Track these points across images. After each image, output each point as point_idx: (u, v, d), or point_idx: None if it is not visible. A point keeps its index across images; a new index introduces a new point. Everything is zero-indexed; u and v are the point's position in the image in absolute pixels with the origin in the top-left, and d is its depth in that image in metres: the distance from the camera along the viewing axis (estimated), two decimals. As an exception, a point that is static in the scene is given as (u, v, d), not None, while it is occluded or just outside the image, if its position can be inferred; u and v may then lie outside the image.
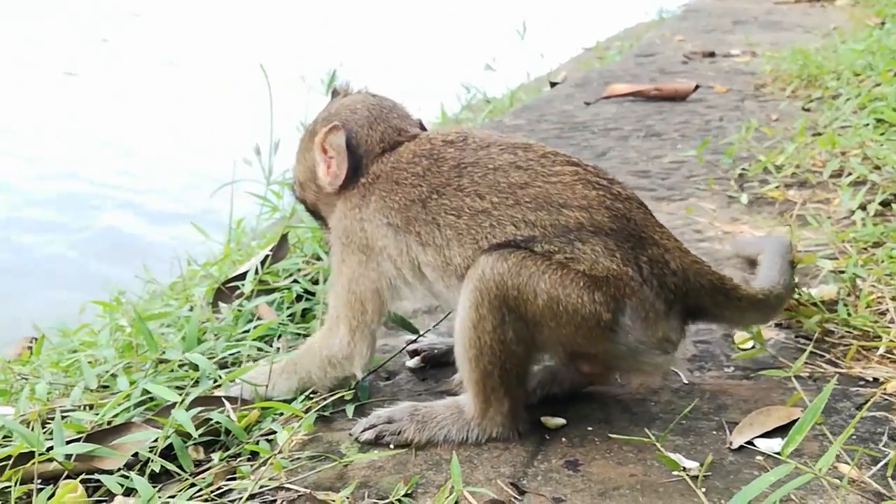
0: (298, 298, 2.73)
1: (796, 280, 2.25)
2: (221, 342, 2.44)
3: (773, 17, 10.11)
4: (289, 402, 1.95)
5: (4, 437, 1.97)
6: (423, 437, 1.79)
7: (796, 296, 2.30)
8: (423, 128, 2.09)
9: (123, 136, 8.46)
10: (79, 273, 5.98)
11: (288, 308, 2.66)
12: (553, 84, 6.80)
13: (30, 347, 3.61)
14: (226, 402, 1.91)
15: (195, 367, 2.18)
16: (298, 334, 2.49)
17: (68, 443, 1.75)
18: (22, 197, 7.01)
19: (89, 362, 2.33)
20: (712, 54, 7.47)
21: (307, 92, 4.60)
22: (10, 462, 1.73)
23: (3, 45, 11.97)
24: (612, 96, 5.47)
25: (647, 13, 13.37)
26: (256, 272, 2.77)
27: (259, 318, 2.63)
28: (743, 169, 3.67)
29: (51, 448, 1.73)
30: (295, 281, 2.85)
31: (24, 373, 2.40)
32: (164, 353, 2.28)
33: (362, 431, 1.81)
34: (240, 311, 2.65)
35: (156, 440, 1.79)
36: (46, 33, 13.13)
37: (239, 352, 2.36)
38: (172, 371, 2.23)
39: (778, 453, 1.67)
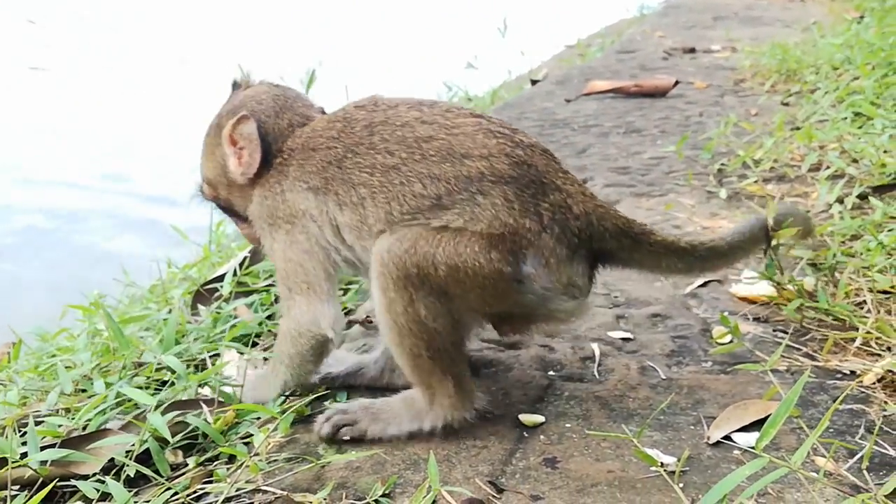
0: (276, 300, 2.71)
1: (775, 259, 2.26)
2: (199, 344, 2.43)
3: (753, 12, 10.16)
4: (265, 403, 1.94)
5: (-21, 443, 1.95)
6: (377, 429, 1.80)
7: (777, 279, 2.31)
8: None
9: (101, 137, 8.41)
10: (59, 278, 5.94)
11: (266, 309, 2.65)
12: (534, 82, 6.80)
13: (8, 353, 3.59)
14: (203, 405, 1.90)
15: (173, 371, 2.17)
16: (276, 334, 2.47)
17: (43, 448, 1.73)
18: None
19: (66, 367, 2.31)
20: (693, 50, 7.50)
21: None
22: (-15, 468, 1.72)
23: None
24: (593, 93, 5.48)
25: (627, 10, 13.41)
26: (235, 274, 2.76)
27: (238, 319, 2.63)
28: (722, 164, 3.68)
29: (25, 455, 1.71)
30: (273, 283, 2.84)
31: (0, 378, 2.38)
32: (141, 355, 2.27)
33: (322, 424, 1.81)
34: (219, 313, 2.64)
35: (132, 445, 1.77)
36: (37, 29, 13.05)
37: (217, 353, 2.35)
38: (150, 375, 2.22)
39: (754, 447, 1.67)
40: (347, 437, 1.79)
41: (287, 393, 1.99)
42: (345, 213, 1.83)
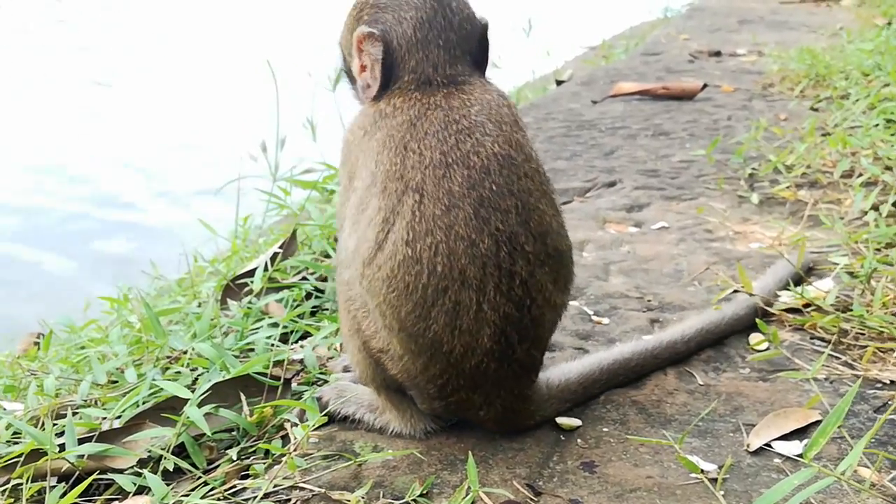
0: (308, 296, 2.71)
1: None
2: (231, 338, 2.42)
3: (778, 16, 10.09)
4: (300, 397, 1.94)
5: (14, 433, 1.96)
6: (338, 409, 1.85)
7: (802, 295, 2.30)
8: (481, 70, 1.79)
9: (127, 133, 8.44)
10: (84, 271, 5.98)
11: (297, 306, 2.64)
12: (559, 82, 6.78)
13: (36, 343, 3.61)
14: (242, 397, 1.89)
15: (205, 361, 2.17)
16: (308, 333, 2.47)
17: (80, 441, 1.74)
18: (26, 195, 7.00)
19: (98, 358, 2.31)
20: (718, 53, 7.46)
21: (314, 88, 4.59)
22: (22, 459, 1.72)
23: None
24: (619, 95, 5.45)
25: (651, 12, 13.37)
26: (266, 269, 2.76)
27: (268, 316, 2.63)
28: (753, 168, 3.66)
29: (63, 446, 1.71)
30: (304, 278, 2.84)
31: (33, 368, 2.38)
32: (171, 348, 2.28)
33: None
34: (249, 308, 2.64)
35: (168, 438, 1.77)
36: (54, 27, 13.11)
37: (252, 350, 2.35)
38: (184, 366, 2.22)
39: (799, 455, 1.66)
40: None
41: None
42: (347, 208, 1.73)
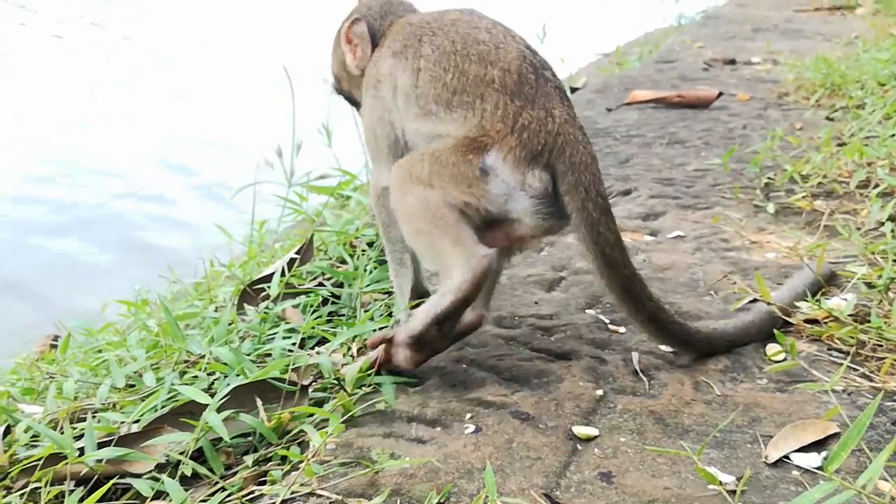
0: (325, 302, 2.72)
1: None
2: (248, 343, 2.44)
3: (792, 24, 10.07)
4: (320, 404, 1.95)
5: (33, 436, 1.97)
6: (418, 320, 2.03)
7: (819, 306, 2.30)
8: None
9: (141, 137, 8.48)
10: (98, 275, 6.00)
11: (314, 311, 2.66)
12: (573, 89, 6.78)
13: (53, 345, 3.63)
14: (258, 403, 1.90)
15: (223, 366, 2.18)
16: (325, 339, 2.48)
17: (99, 445, 1.75)
18: (38, 198, 7.03)
19: (117, 361, 2.33)
20: (733, 61, 7.44)
21: (329, 94, 4.62)
22: (41, 463, 1.73)
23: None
24: (634, 102, 5.45)
25: (664, 19, 13.35)
26: (283, 274, 2.77)
27: (285, 321, 2.64)
28: (769, 178, 3.65)
29: (82, 450, 1.72)
30: (321, 284, 2.85)
31: (51, 371, 2.40)
32: (188, 352, 2.29)
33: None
34: (266, 313, 2.65)
35: (187, 443, 1.78)
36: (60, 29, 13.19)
37: (269, 355, 2.36)
38: (201, 370, 2.23)
39: (818, 468, 1.65)
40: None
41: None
42: (404, 76, 2.14)
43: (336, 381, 2.13)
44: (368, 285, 2.63)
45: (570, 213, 2.00)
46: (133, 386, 2.23)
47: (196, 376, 2.17)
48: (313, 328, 2.40)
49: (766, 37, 8.93)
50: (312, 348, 2.46)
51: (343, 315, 2.64)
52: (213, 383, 2.18)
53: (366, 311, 2.56)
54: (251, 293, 2.85)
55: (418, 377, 2.13)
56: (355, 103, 2.48)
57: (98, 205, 6.94)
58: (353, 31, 2.32)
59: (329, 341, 2.39)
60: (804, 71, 6.14)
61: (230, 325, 2.49)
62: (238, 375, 2.09)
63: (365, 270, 2.87)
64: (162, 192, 7.27)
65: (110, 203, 7.02)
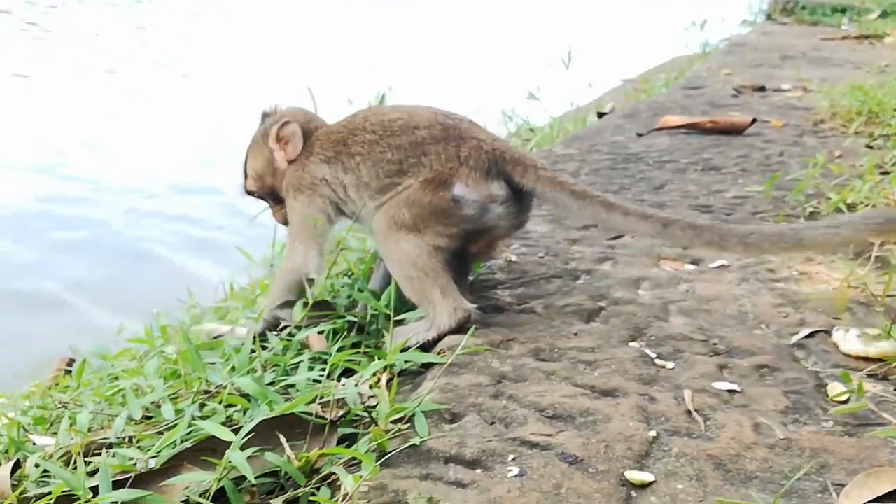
0: (350, 328, 2.59)
1: None
2: (271, 373, 2.31)
3: (821, 53, 9.95)
4: (351, 444, 1.81)
5: (45, 471, 1.84)
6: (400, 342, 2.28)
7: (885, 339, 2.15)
8: None
9: (162, 158, 8.42)
10: (115, 297, 5.89)
11: (337, 338, 2.52)
12: (601, 114, 6.67)
13: (67, 371, 3.51)
14: (283, 440, 1.77)
15: (246, 398, 2.05)
16: (351, 370, 2.34)
17: (115, 484, 1.61)
18: (56, 218, 6.95)
19: (133, 390, 2.20)
20: (762, 88, 7.32)
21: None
22: (53, 501, 1.60)
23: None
24: (666, 128, 5.32)
25: (687, 46, 13.23)
26: (306, 303, 2.64)
27: (309, 349, 2.51)
28: (813, 206, 3.50)
29: (96, 489, 1.59)
30: (347, 308, 2.72)
31: (64, 400, 2.27)
32: (209, 383, 2.16)
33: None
34: (289, 340, 2.52)
35: (208, 483, 1.65)
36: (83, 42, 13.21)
37: (293, 386, 2.23)
38: (221, 402, 2.10)
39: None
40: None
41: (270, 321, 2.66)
42: (348, 176, 2.57)
43: (366, 414, 2.00)
44: (401, 315, 2.50)
45: (531, 188, 2.45)
46: (150, 417, 2.10)
47: (215, 409, 2.03)
48: (336, 355, 2.26)
49: (794, 64, 8.80)
50: (339, 378, 2.32)
51: (370, 345, 2.50)
52: (232, 416, 2.05)
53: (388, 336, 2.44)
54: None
55: (451, 416, 1.99)
56: (274, 199, 2.82)
57: (120, 224, 6.86)
58: (286, 130, 2.67)
59: (356, 371, 2.27)
60: (839, 98, 6.00)
61: (252, 353, 2.36)
62: (261, 407, 1.96)
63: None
64: (185, 211, 7.19)
65: (134, 222, 6.94)
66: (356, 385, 2.18)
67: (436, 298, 2.39)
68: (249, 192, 2.90)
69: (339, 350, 2.49)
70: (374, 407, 2.04)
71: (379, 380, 2.19)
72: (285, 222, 2.80)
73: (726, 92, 7.18)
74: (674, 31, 15.10)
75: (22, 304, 5.71)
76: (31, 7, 15.40)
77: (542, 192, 2.45)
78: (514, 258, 3.08)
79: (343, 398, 2.07)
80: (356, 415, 2.02)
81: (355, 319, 2.58)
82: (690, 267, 3.00)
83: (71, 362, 3.74)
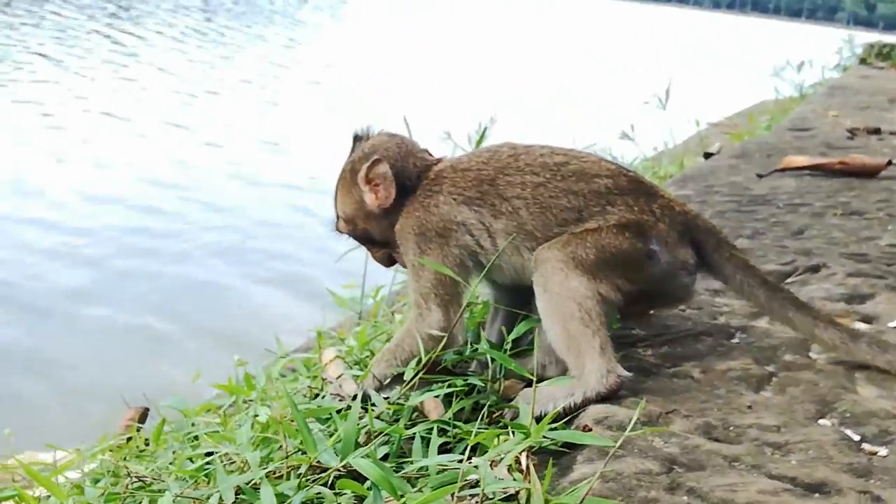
0: (471, 391, 2.20)
1: None
2: (383, 447, 1.92)
3: (929, 95, 9.37)
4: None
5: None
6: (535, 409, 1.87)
7: None
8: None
9: (245, 191, 8.26)
10: (187, 339, 5.63)
11: (450, 401, 2.13)
12: (707, 155, 6.23)
13: (139, 424, 3.18)
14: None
15: (357, 478, 1.67)
16: (465, 441, 1.94)
17: None
18: (126, 247, 6.77)
19: (224, 464, 1.84)
20: (877, 131, 6.80)
21: (452, 148, 4.18)
22: None
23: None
24: (789, 168, 4.86)
25: (777, 90, 12.67)
26: (419, 361, 2.26)
27: (422, 416, 2.13)
28: None
29: None
30: (466, 362, 2.34)
31: (141, 474, 1.91)
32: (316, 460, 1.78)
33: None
34: (400, 405, 2.14)
35: None
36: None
37: (408, 457, 1.85)
38: (326, 483, 1.72)
39: None
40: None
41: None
42: (500, 221, 2.22)
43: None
44: (547, 380, 2.10)
45: (717, 265, 2.29)
46: (244, 499, 1.72)
47: (323, 496, 1.65)
48: (456, 424, 1.87)
49: (905, 106, 8.26)
50: (462, 452, 1.92)
51: (493, 409, 2.10)
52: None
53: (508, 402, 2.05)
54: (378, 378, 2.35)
55: (622, 511, 1.57)
56: (371, 242, 2.46)
57: (192, 267, 6.64)
58: (376, 171, 2.29)
59: (484, 445, 1.87)
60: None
61: (359, 422, 1.98)
62: (382, 496, 1.57)
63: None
64: (257, 253, 6.93)
65: (205, 262, 6.72)
66: (491, 465, 1.78)
67: (589, 353, 2.04)
68: (343, 232, 2.51)
69: (459, 417, 2.10)
70: (515, 498, 1.65)
71: (519, 462, 1.79)
72: (390, 263, 2.49)
73: (838, 134, 6.68)
74: (755, 75, 14.62)
75: (90, 340, 5.48)
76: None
77: (730, 273, 2.29)
78: (651, 311, 2.65)
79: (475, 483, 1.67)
80: (495, 505, 1.62)
81: (476, 382, 2.18)
82: (862, 325, 2.54)
83: (145, 413, 3.41)
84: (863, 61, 15.04)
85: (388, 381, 2.30)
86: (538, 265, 2.13)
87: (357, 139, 2.49)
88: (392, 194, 2.30)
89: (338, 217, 2.48)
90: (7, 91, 11.74)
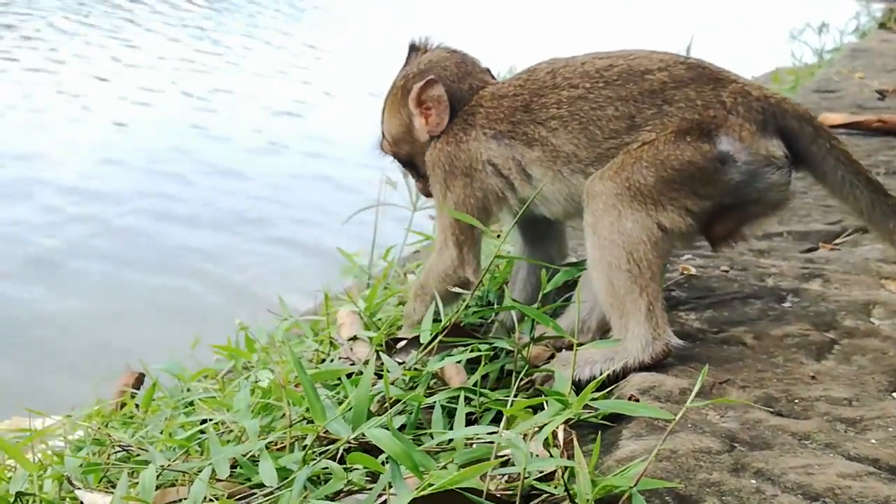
0: (495, 355, 1.97)
1: None
2: (400, 417, 1.71)
3: (957, 58, 9.04)
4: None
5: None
6: (568, 373, 1.64)
7: None
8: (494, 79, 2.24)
9: (257, 150, 8.07)
10: (194, 304, 5.44)
11: (474, 368, 1.92)
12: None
13: (133, 390, 2.96)
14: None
15: (370, 451, 1.45)
16: (494, 409, 1.72)
17: None
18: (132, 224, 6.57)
19: (218, 432, 1.62)
20: (907, 91, 6.51)
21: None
22: None
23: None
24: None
25: (794, 55, 12.30)
26: (438, 318, 2.03)
27: (444, 383, 1.91)
28: None
29: None
30: (489, 326, 2.12)
31: (125, 443, 1.69)
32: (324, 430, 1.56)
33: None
34: (418, 370, 1.92)
35: None
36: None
37: (426, 433, 1.63)
38: (336, 458, 1.51)
39: None
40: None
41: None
42: (535, 150, 1.97)
43: (549, 490, 1.38)
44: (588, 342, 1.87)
45: (818, 158, 1.88)
46: (240, 473, 1.50)
47: (331, 469, 1.43)
48: (482, 393, 1.65)
49: (932, 68, 7.95)
50: (491, 423, 1.70)
51: (522, 375, 1.88)
52: (354, 482, 1.45)
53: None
54: (391, 342, 2.14)
55: (682, 495, 1.34)
56: (415, 170, 2.28)
57: (204, 231, 6.45)
58: (429, 93, 2.08)
59: (514, 416, 1.65)
60: None
61: (372, 388, 1.76)
62: (401, 473, 1.35)
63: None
64: (266, 215, 6.72)
65: (218, 225, 6.52)
66: (525, 441, 1.56)
67: (634, 315, 1.79)
68: (387, 153, 2.31)
69: (484, 385, 1.89)
70: (552, 476, 1.43)
71: (556, 436, 1.56)
72: (431, 196, 2.25)
73: (867, 95, 6.39)
74: (772, 40, 14.25)
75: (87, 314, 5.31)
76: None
77: (830, 169, 1.88)
78: (692, 270, 2.42)
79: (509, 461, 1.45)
80: (533, 489, 1.40)
81: (503, 345, 1.95)
82: (925, 290, 2.31)
83: (140, 378, 3.19)
84: (882, 25, 14.63)
85: (404, 343, 2.09)
86: (589, 201, 1.86)
87: (413, 49, 2.26)
88: (444, 121, 2.10)
89: (383, 136, 2.28)
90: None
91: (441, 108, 2.08)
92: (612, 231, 1.79)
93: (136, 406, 2.32)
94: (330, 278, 3.51)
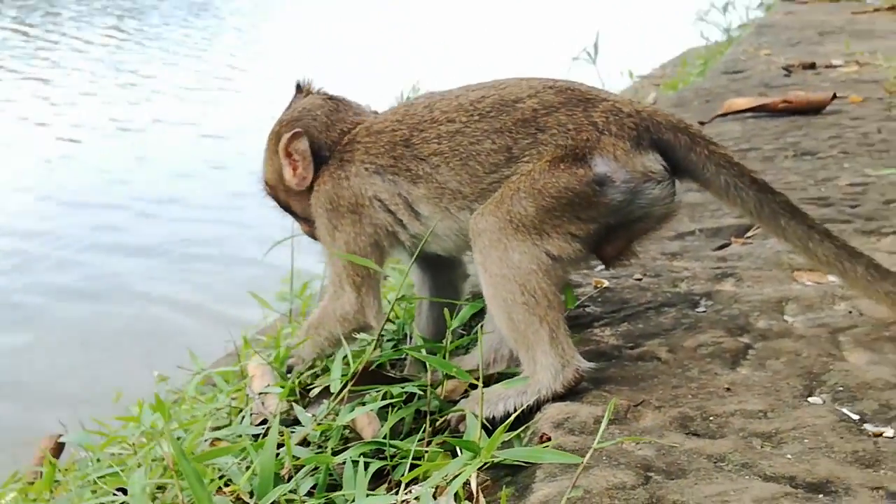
0: (410, 397, 1.91)
1: None
2: (307, 479, 1.63)
3: (859, 26, 9.23)
4: None
5: None
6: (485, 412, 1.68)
7: None
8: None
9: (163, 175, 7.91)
10: (114, 342, 5.32)
11: (392, 411, 1.85)
12: (644, 106, 5.99)
13: (55, 453, 2.87)
14: None
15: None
16: (416, 462, 1.65)
17: None
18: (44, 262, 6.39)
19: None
20: (813, 66, 6.60)
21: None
22: None
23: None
24: (731, 113, 4.63)
25: (703, 35, 12.48)
26: (347, 363, 1.96)
27: (355, 435, 1.84)
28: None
29: None
30: (401, 367, 2.05)
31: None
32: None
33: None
34: (329, 423, 1.84)
35: None
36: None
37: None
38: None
39: None
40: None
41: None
42: (419, 187, 1.93)
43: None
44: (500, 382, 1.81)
45: (697, 166, 1.85)
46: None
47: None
48: (393, 444, 1.58)
49: (835, 39, 8.10)
50: (402, 476, 1.63)
51: (434, 415, 1.82)
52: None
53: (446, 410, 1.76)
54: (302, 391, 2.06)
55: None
56: (292, 212, 2.24)
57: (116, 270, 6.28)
58: (294, 146, 2.07)
59: (424, 468, 1.59)
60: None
61: (278, 453, 1.68)
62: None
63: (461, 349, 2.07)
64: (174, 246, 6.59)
65: (128, 266, 6.35)
66: (435, 491, 1.50)
67: (539, 346, 1.74)
68: (269, 195, 2.27)
69: (398, 429, 1.82)
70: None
71: (467, 483, 1.50)
72: (316, 237, 2.18)
73: (774, 73, 6.48)
74: (679, 23, 14.45)
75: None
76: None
77: (712, 174, 1.84)
78: (605, 283, 2.38)
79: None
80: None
81: (414, 389, 1.89)
82: (836, 278, 2.30)
83: (59, 445, 3.07)
84: (785, -2, 14.92)
85: (317, 392, 2.01)
86: (475, 239, 1.81)
87: (298, 90, 2.24)
88: (309, 175, 2.08)
89: (264, 181, 2.25)
90: None
91: (306, 162, 2.07)
92: (502, 266, 1.75)
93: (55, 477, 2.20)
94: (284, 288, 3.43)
